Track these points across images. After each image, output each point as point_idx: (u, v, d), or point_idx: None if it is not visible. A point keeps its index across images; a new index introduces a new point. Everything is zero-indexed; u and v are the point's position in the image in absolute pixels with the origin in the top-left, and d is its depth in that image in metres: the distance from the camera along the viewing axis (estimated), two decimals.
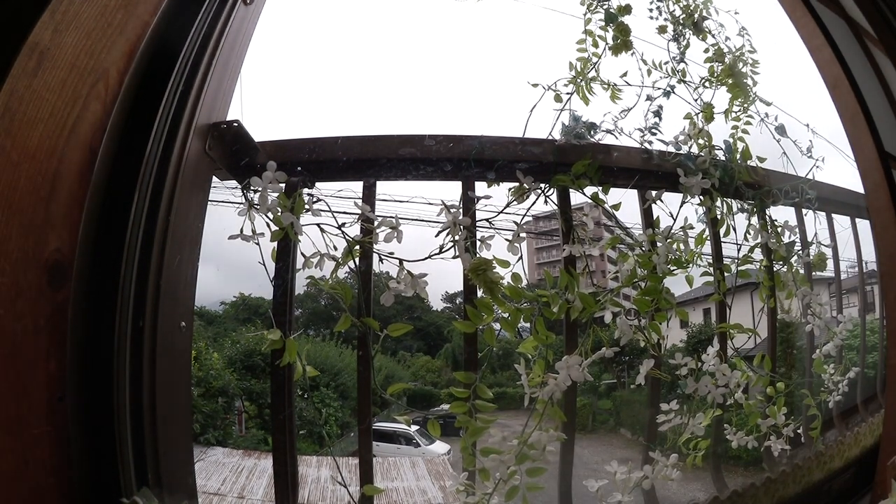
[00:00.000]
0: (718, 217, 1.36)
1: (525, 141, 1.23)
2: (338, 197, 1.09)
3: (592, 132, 1.27)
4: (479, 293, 1.03)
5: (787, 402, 1.35)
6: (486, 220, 1.08)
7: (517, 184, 1.12)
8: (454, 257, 0.99)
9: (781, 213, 1.46)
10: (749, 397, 1.31)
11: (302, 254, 0.98)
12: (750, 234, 1.40)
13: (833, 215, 1.80)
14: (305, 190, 1.07)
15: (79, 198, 0.69)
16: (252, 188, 0.92)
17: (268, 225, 0.95)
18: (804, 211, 1.59)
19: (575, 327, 1.16)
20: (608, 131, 1.30)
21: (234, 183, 1.04)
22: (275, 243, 1.03)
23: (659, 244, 1.16)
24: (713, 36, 1.53)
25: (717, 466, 1.43)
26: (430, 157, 1.19)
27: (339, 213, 0.99)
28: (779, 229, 1.42)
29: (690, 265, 1.20)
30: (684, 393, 1.19)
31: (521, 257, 1.06)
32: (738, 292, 1.42)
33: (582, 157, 1.19)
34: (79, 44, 0.68)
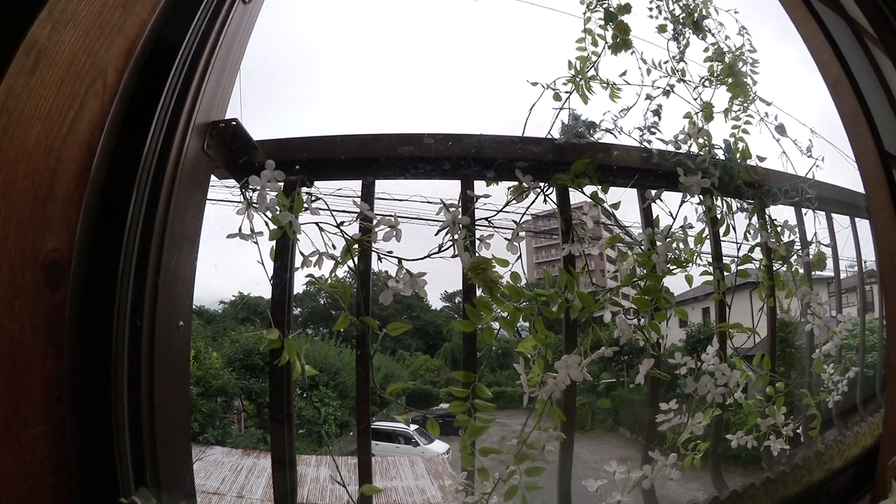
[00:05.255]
0: (718, 216, 1.36)
1: (524, 140, 1.23)
2: (336, 195, 1.08)
3: (592, 131, 1.26)
4: (479, 292, 1.03)
5: (787, 401, 1.35)
6: (486, 218, 1.08)
7: (516, 182, 1.12)
8: (453, 256, 0.99)
9: (781, 213, 1.46)
10: (748, 397, 1.31)
11: (301, 253, 0.98)
12: (749, 233, 1.40)
13: (833, 215, 1.80)
14: (304, 189, 1.07)
15: (76, 197, 0.68)
16: (250, 187, 0.92)
17: (266, 224, 0.95)
18: (804, 210, 1.59)
19: (574, 326, 1.16)
20: (608, 130, 1.29)
21: (232, 182, 1.04)
22: (273, 242, 1.03)
23: (658, 243, 1.15)
24: (713, 35, 1.53)
25: (717, 466, 1.43)
26: (429, 155, 1.18)
27: (338, 211, 0.99)
28: (778, 229, 1.42)
29: (690, 264, 1.20)
30: (684, 392, 1.19)
31: (520, 256, 1.06)
32: (737, 292, 1.42)
33: (581, 156, 1.19)
34: (77, 42, 0.68)
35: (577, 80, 1.37)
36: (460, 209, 1.08)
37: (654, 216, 1.24)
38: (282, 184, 0.93)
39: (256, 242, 0.96)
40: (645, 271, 1.14)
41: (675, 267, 1.16)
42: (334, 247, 0.98)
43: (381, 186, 1.22)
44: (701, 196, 1.28)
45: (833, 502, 1.56)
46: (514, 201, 1.14)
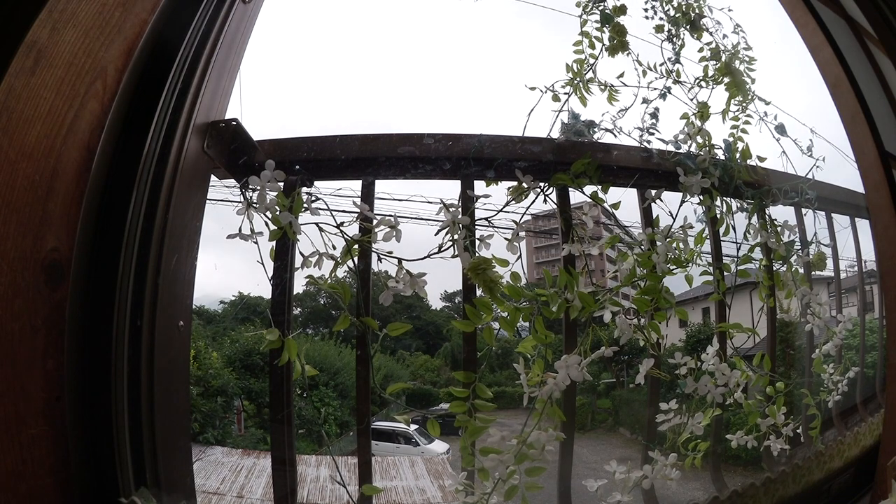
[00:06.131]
0: (718, 216, 1.36)
1: (524, 139, 1.23)
2: (336, 196, 1.09)
3: (592, 130, 1.26)
4: (479, 292, 1.03)
5: (787, 401, 1.35)
6: (486, 218, 1.08)
7: (516, 182, 1.12)
8: (453, 256, 0.99)
9: (781, 213, 1.46)
10: (748, 397, 1.31)
11: (300, 253, 0.98)
12: (749, 233, 1.40)
13: (833, 215, 1.80)
14: (304, 189, 1.07)
15: (76, 197, 0.68)
16: (250, 187, 0.92)
17: (266, 224, 0.95)
18: (804, 210, 1.59)
19: (574, 326, 1.16)
20: (608, 130, 1.29)
21: (232, 181, 1.04)
22: (273, 242, 1.03)
23: (658, 243, 1.15)
24: (710, 34, 1.52)
25: (717, 466, 1.43)
26: (430, 155, 1.18)
27: (338, 211, 0.99)
28: (778, 229, 1.42)
29: (690, 264, 1.20)
30: (684, 392, 1.19)
31: (520, 256, 1.06)
32: (737, 292, 1.42)
33: (581, 156, 1.19)
34: (77, 42, 0.68)
35: (576, 82, 1.37)
36: (460, 209, 1.08)
37: (654, 216, 1.24)
38: (282, 184, 0.93)
39: (256, 242, 0.96)
40: (645, 271, 1.14)
41: (675, 267, 1.16)
42: (334, 247, 0.98)
43: (381, 186, 1.22)
44: (701, 196, 1.28)
45: (833, 502, 1.56)
46: (514, 201, 1.14)
